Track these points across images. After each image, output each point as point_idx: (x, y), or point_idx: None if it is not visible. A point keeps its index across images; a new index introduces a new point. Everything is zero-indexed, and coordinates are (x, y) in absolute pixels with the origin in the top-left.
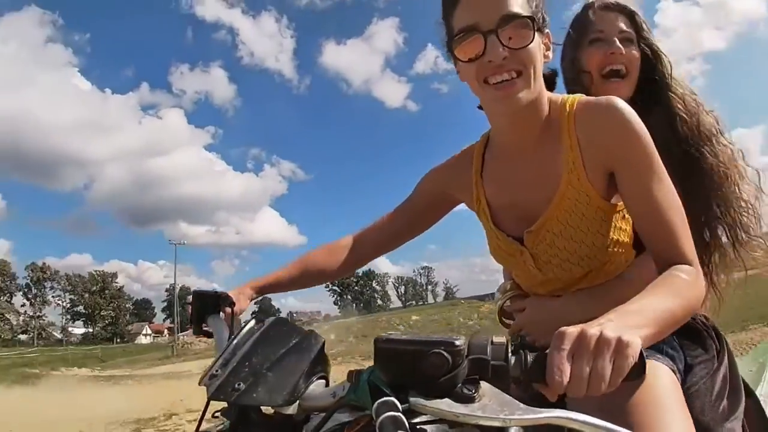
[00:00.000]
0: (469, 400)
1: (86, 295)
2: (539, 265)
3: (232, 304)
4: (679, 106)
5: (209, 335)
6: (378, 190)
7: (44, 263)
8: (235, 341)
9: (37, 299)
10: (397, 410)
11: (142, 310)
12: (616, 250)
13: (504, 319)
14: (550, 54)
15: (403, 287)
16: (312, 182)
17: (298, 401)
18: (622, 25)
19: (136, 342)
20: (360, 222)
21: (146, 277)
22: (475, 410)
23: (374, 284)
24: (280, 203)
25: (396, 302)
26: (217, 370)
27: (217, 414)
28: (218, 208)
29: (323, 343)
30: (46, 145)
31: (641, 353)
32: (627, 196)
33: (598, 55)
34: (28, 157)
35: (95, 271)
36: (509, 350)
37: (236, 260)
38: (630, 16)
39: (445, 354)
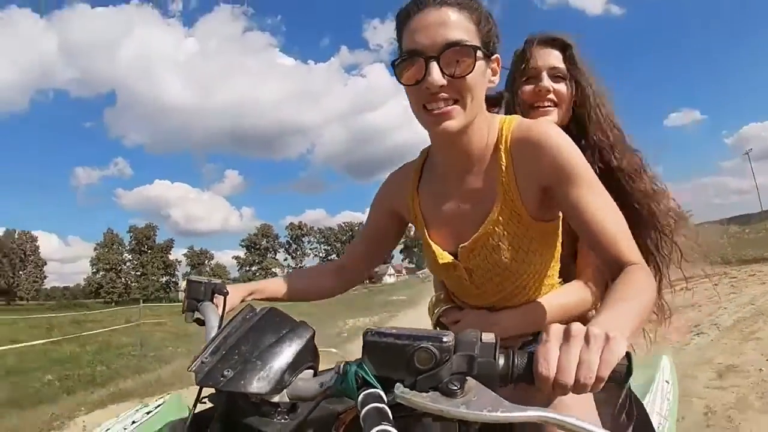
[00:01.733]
0: (454, 395)
1: (338, 245)
2: (473, 279)
3: (225, 292)
4: (604, 141)
5: (201, 322)
6: None
7: (300, 222)
8: (225, 329)
9: (297, 252)
10: (382, 402)
11: None
12: (545, 264)
13: (438, 329)
14: (496, 79)
15: None
16: None
17: (285, 390)
18: (554, 62)
19: (383, 282)
20: None
21: None
22: (458, 405)
23: None
24: None
25: None
26: (206, 357)
27: (205, 399)
28: None
29: (313, 334)
30: (267, 122)
31: (629, 355)
32: (567, 208)
33: (527, 91)
34: (254, 136)
35: (344, 222)
36: (497, 348)
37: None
38: (563, 50)
39: (433, 349)
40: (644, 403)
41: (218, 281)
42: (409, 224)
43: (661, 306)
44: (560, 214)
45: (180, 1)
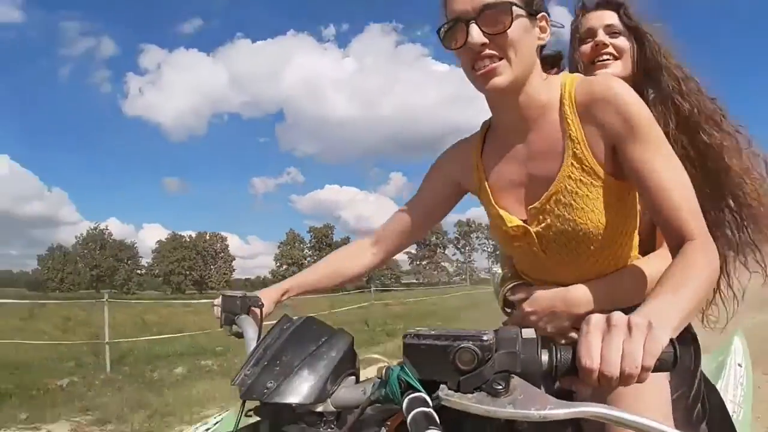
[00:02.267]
0: (499, 394)
1: None
2: (543, 245)
3: (260, 304)
4: (675, 89)
5: (240, 336)
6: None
7: (468, 219)
8: (264, 341)
9: (466, 248)
10: (428, 406)
11: None
12: (623, 231)
13: (507, 309)
14: (545, 36)
15: None
16: None
17: (329, 399)
18: (608, 20)
19: None
20: None
21: None
22: (505, 405)
23: None
24: None
25: None
26: (248, 370)
27: (250, 413)
28: None
29: (352, 341)
30: (427, 125)
31: (673, 342)
32: (630, 168)
33: (586, 50)
34: (415, 139)
35: None
36: (539, 343)
37: None
38: (617, 9)
39: (474, 348)
40: (717, 386)
41: (252, 294)
42: (467, 194)
43: (729, 288)
44: None
45: (332, 26)
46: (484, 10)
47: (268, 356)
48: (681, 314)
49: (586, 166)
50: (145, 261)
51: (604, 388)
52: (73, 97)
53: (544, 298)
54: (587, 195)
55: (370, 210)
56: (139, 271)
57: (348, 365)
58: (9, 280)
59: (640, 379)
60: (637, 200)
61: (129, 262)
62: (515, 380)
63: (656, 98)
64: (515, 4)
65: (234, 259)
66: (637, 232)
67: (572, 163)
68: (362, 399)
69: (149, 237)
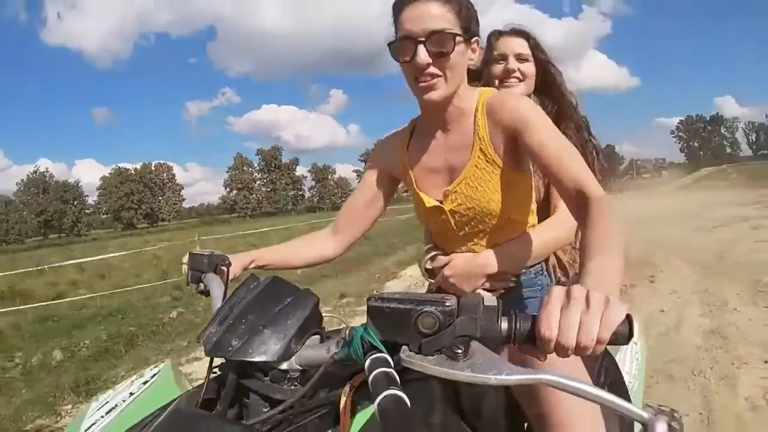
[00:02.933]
0: (458, 358)
1: None
2: (455, 221)
3: (227, 263)
4: (563, 110)
5: (206, 294)
6: (718, 18)
7: None
8: (230, 299)
9: None
10: (389, 366)
11: None
12: (519, 209)
13: (429, 277)
14: (475, 56)
15: (755, 134)
16: (637, 16)
17: (293, 357)
18: (518, 48)
19: None
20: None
21: None
22: (464, 369)
23: (723, 130)
24: (607, 44)
25: (746, 150)
26: (214, 327)
27: (215, 369)
28: None
29: (317, 301)
30: (368, 39)
31: (629, 317)
32: (531, 152)
33: (497, 71)
34: (355, 54)
35: None
36: (500, 311)
37: None
38: (528, 39)
39: (436, 313)
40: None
41: (220, 253)
42: (400, 184)
43: None
44: (531, 168)
45: None
46: (432, 35)
47: (234, 314)
48: (618, 275)
49: (489, 158)
50: (91, 200)
51: (560, 356)
52: None
53: (460, 263)
54: (489, 180)
55: (310, 129)
56: (87, 211)
57: (313, 325)
58: None
59: (595, 351)
60: (532, 182)
61: (75, 203)
62: (475, 345)
63: (552, 109)
64: (457, 33)
65: (182, 188)
66: (533, 208)
67: (478, 156)
68: (326, 358)
69: (83, 174)
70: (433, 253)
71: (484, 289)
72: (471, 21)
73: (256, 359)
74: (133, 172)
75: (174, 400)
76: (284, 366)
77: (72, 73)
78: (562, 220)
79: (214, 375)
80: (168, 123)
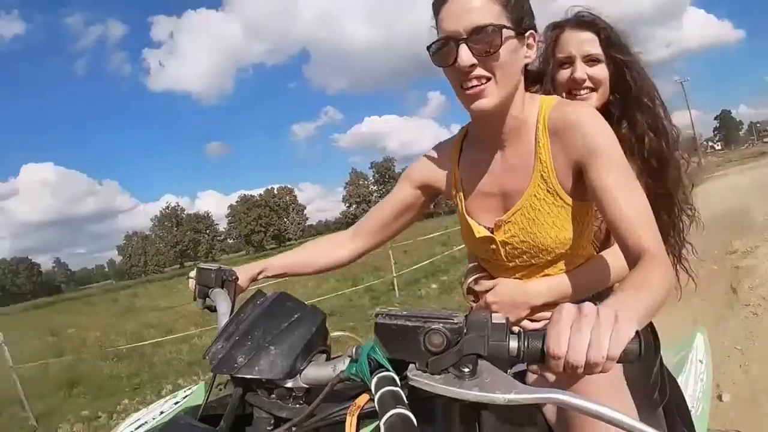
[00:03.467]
0: (466, 377)
1: None
2: (506, 252)
3: (234, 278)
4: (647, 122)
5: (212, 309)
6: None
7: None
8: (237, 316)
9: None
10: (396, 385)
11: None
12: (577, 244)
13: (470, 297)
14: (532, 53)
15: None
16: None
17: (299, 375)
18: (588, 47)
19: None
20: None
21: None
22: (471, 387)
23: None
24: None
25: None
26: (220, 344)
27: (220, 386)
28: (637, 26)
29: (324, 318)
30: None
31: (639, 334)
32: (592, 187)
33: (563, 78)
34: None
35: None
36: (508, 329)
37: (674, 76)
38: (599, 33)
39: (444, 330)
40: (678, 380)
41: (228, 268)
42: (435, 200)
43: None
44: None
45: None
46: (474, 31)
47: (240, 331)
48: (643, 309)
49: (550, 187)
50: (221, 227)
51: (569, 375)
52: (97, 88)
53: (506, 290)
54: (548, 213)
55: (413, 135)
56: (218, 238)
57: (319, 342)
58: (89, 277)
59: (605, 369)
60: (591, 215)
61: (207, 231)
62: (483, 364)
63: (626, 123)
64: (505, 26)
65: (305, 207)
66: (590, 241)
67: (538, 184)
68: (332, 376)
69: (206, 205)
70: (478, 274)
71: (528, 319)
72: (523, 11)
73: (261, 376)
74: (258, 197)
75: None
76: (290, 384)
77: (181, 114)
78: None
79: (218, 391)
80: (277, 147)
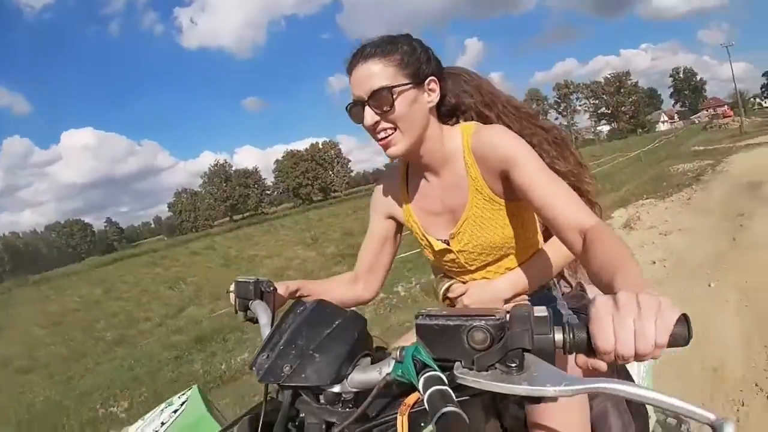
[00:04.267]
0: (513, 371)
1: (605, 97)
2: (465, 258)
3: (273, 289)
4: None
5: (254, 321)
6: None
7: (565, 80)
8: (279, 326)
9: (567, 110)
10: (444, 384)
11: (651, 99)
12: (524, 236)
13: (446, 303)
14: (434, 96)
15: None
16: None
17: (345, 380)
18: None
19: (656, 130)
20: None
21: (634, 64)
22: (520, 382)
23: None
24: None
25: None
26: (265, 354)
27: (270, 396)
28: None
29: (365, 322)
30: None
31: (685, 316)
32: (520, 189)
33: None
34: None
35: (609, 74)
36: (551, 321)
37: (723, 23)
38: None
39: (487, 327)
40: None
41: (265, 279)
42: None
43: None
44: None
45: None
46: (372, 95)
47: (283, 340)
48: (645, 281)
49: (486, 196)
50: (268, 182)
51: (620, 364)
52: (130, 51)
53: (478, 291)
54: (491, 217)
55: None
56: (267, 192)
57: (363, 346)
58: (137, 234)
59: (654, 356)
60: (528, 210)
61: (256, 186)
62: (529, 358)
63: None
64: (399, 85)
65: (349, 161)
66: (538, 229)
67: (475, 196)
68: (378, 379)
69: (244, 160)
70: (450, 282)
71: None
72: (419, 63)
73: (309, 383)
74: (304, 152)
75: (228, 427)
76: (337, 389)
77: (216, 70)
78: None
79: (268, 403)
80: (314, 100)
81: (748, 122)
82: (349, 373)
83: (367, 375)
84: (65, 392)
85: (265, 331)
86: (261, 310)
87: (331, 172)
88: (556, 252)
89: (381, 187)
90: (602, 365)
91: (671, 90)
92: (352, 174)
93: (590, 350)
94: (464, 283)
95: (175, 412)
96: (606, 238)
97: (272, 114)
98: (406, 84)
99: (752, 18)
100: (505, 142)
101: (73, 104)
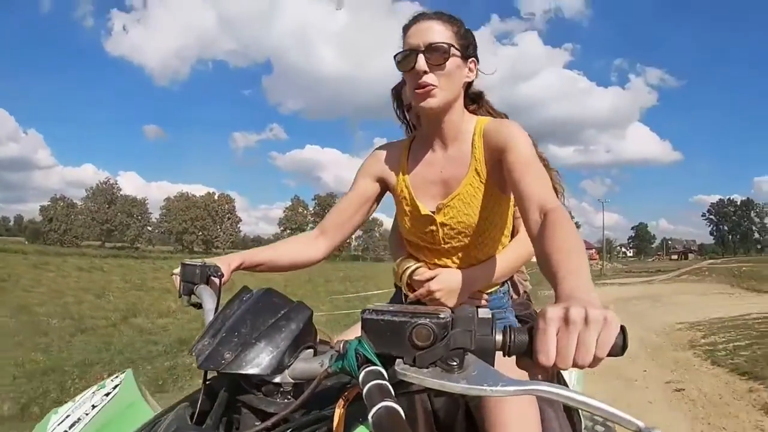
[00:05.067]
0: (453, 370)
1: None
2: (444, 232)
3: (220, 274)
4: None
5: (198, 306)
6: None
7: None
8: (223, 311)
9: None
10: (384, 379)
11: None
12: (500, 225)
13: (406, 286)
14: (472, 75)
15: None
16: (684, 89)
17: (286, 370)
18: None
19: None
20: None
21: None
22: (459, 380)
23: (753, 215)
24: (651, 116)
25: None
26: (206, 340)
27: (208, 382)
28: (585, 127)
29: (311, 314)
30: None
31: (622, 329)
32: (510, 168)
33: None
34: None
35: None
36: (494, 323)
37: (607, 179)
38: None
39: (431, 325)
40: None
41: (212, 264)
42: (386, 193)
43: None
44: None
45: None
46: (430, 46)
47: (226, 327)
48: (589, 281)
49: (482, 179)
50: (154, 217)
51: (555, 371)
52: (53, 30)
53: (449, 278)
54: (480, 199)
55: (351, 173)
56: (149, 228)
57: (306, 338)
58: None
59: (593, 365)
60: (512, 203)
61: (139, 217)
62: (470, 357)
63: None
64: (453, 46)
65: (240, 220)
66: (510, 227)
67: (473, 176)
68: (320, 371)
69: (126, 186)
70: (417, 265)
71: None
72: (469, 42)
73: (249, 372)
74: (199, 198)
75: (165, 412)
76: (277, 379)
77: (129, 86)
78: (524, 239)
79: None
80: (213, 148)
81: (610, 266)
82: (291, 364)
83: (308, 366)
84: None
85: (209, 316)
86: (206, 295)
87: (219, 227)
88: (515, 252)
89: (379, 153)
90: (538, 372)
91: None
92: (240, 234)
93: (529, 354)
94: (429, 268)
95: (107, 395)
96: (563, 224)
97: (168, 148)
98: (458, 50)
99: (633, 178)
100: (512, 132)
101: None
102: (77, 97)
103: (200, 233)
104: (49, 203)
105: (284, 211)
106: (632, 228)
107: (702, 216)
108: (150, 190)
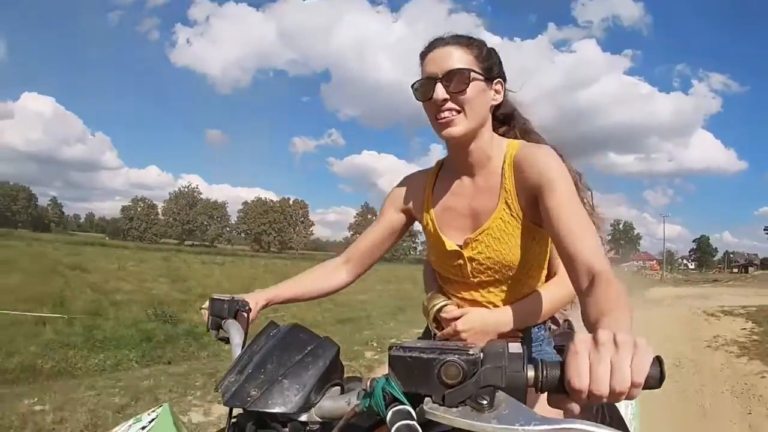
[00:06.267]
0: (484, 409)
1: None
2: (473, 268)
3: (248, 309)
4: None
5: (226, 340)
6: None
7: None
8: (250, 347)
9: None
10: (412, 419)
11: None
12: (535, 264)
13: (434, 324)
14: (499, 97)
15: None
16: (748, 95)
17: (313, 408)
18: None
19: None
20: None
21: None
22: (490, 420)
23: None
24: (715, 123)
25: None
26: (233, 376)
27: (234, 419)
28: (648, 134)
29: (338, 350)
30: None
31: (658, 358)
32: (547, 214)
33: None
34: None
35: None
36: (525, 359)
37: (669, 189)
38: None
39: (460, 362)
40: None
41: (240, 298)
42: (416, 223)
43: None
44: None
45: None
46: (449, 73)
47: (253, 363)
48: (631, 326)
49: (514, 212)
50: (233, 219)
51: (593, 404)
52: (121, 43)
53: (476, 317)
54: (512, 234)
55: None
56: (228, 229)
57: (333, 375)
58: (75, 225)
59: (630, 396)
60: (547, 242)
61: (219, 219)
62: (501, 395)
63: None
64: (473, 71)
65: (313, 224)
66: (546, 265)
67: (504, 208)
68: (346, 410)
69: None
70: (445, 302)
71: None
72: (492, 63)
73: (275, 410)
74: (275, 203)
75: None
76: (304, 418)
77: (193, 93)
78: (565, 282)
79: (232, 424)
80: (273, 153)
81: (670, 276)
82: (317, 402)
83: (335, 405)
84: None
85: (237, 351)
86: (234, 330)
87: (293, 230)
88: (555, 295)
89: (405, 183)
90: (575, 406)
91: (609, 237)
92: (312, 236)
93: (563, 389)
94: (458, 304)
95: (143, 429)
96: (612, 287)
97: (230, 153)
98: (480, 74)
99: (696, 188)
100: (547, 163)
101: (45, 68)
102: (143, 103)
103: (276, 235)
104: (131, 203)
105: (354, 217)
106: (694, 240)
107: (764, 229)
108: (211, 192)
